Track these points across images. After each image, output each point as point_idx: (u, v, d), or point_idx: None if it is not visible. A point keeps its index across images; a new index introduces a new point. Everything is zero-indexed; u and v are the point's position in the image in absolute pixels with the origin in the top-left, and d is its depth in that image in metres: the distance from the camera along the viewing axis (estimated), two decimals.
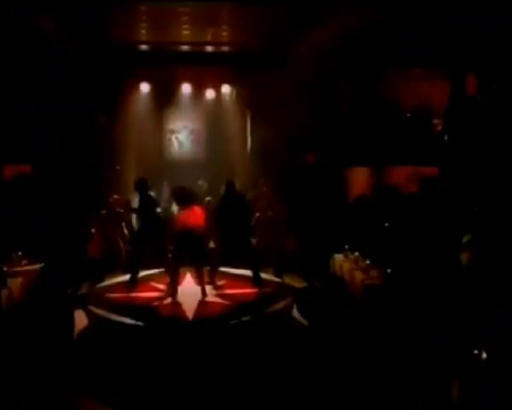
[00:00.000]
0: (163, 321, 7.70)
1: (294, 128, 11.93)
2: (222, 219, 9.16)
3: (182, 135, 13.76)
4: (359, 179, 12.21)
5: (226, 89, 13.18)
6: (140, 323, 7.41)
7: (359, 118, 11.99)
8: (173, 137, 13.73)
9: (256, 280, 9.24)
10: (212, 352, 6.69)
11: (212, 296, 8.76)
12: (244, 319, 7.59)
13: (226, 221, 9.10)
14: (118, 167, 12.38)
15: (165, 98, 13.04)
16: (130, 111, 12.69)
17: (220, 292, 8.94)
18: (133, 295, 8.80)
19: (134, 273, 9.22)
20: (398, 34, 10.25)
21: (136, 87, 12.86)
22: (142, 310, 8.00)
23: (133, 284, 9.13)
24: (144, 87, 12.89)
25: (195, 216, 8.73)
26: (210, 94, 13.35)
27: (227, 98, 13.26)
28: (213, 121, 13.46)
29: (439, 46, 10.10)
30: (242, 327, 7.44)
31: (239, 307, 8.16)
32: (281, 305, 8.27)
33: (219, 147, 13.22)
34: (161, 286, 9.16)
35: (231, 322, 7.51)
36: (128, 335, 7.35)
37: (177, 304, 8.36)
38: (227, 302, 8.42)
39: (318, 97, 12.10)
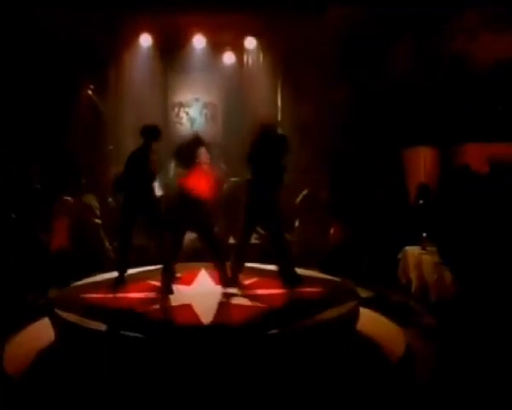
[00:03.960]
0: (164, 330, 5.03)
1: (339, 98, 9.49)
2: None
3: (193, 109, 11.27)
4: (421, 162, 9.76)
5: (251, 44, 10.64)
6: (133, 333, 4.75)
7: (422, 83, 9.57)
8: (182, 112, 11.23)
9: (287, 275, 6.34)
10: (238, 375, 4.49)
11: (237, 298, 5.99)
12: (286, 328, 4.95)
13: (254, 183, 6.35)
14: (111, 147, 10.28)
15: (170, 61, 10.71)
16: (126, 78, 10.45)
17: (249, 292, 6.15)
18: (122, 295, 6.09)
19: (119, 268, 6.56)
20: None
21: (134, 45, 10.44)
22: (135, 315, 5.34)
23: (118, 283, 6.44)
24: (145, 40, 10.36)
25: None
26: (229, 57, 10.86)
27: (251, 60, 10.82)
28: (233, 92, 10.95)
29: None
30: (284, 339, 4.80)
31: (279, 311, 5.46)
32: (339, 312, 5.45)
33: (241, 124, 10.54)
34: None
35: (269, 332, 4.82)
36: (115, 350, 4.73)
37: (186, 307, 5.60)
38: (260, 305, 5.66)
39: (368, 58, 9.69)
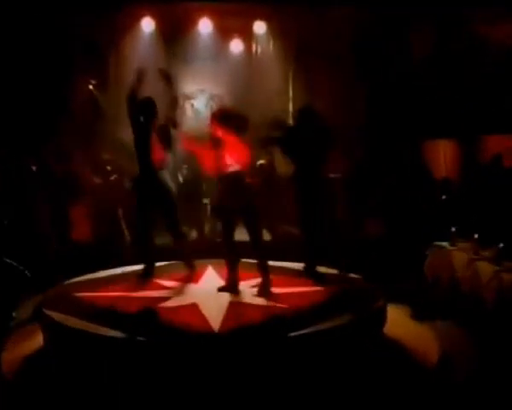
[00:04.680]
0: (171, 334, 4.41)
1: (355, 89, 8.99)
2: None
3: (198, 101, 10.65)
4: (441, 155, 9.24)
5: (260, 29, 10.04)
6: (135, 336, 4.23)
7: (442, 72, 9.07)
8: (187, 105, 10.59)
9: (313, 270, 5.99)
10: (255, 384, 4.00)
11: (249, 297, 5.37)
12: (308, 330, 4.34)
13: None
14: (110, 141, 9.76)
15: (174, 49, 10.09)
16: (127, 67, 9.71)
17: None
18: (124, 294, 5.49)
19: (144, 257, 6.08)
20: None
21: (135, 30, 9.91)
22: (138, 317, 4.63)
23: (146, 275, 5.99)
24: (147, 25, 9.82)
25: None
26: (237, 45, 10.30)
27: (260, 48, 10.25)
28: (242, 82, 10.24)
29: None
30: (305, 344, 4.27)
31: (301, 312, 4.83)
32: (364, 313, 4.94)
33: (249, 117, 9.99)
34: (169, 283, 5.88)
35: (289, 335, 4.24)
36: (114, 357, 4.23)
37: (192, 308, 5.01)
38: (278, 305, 5.05)
39: (380, 52, 9.20)
